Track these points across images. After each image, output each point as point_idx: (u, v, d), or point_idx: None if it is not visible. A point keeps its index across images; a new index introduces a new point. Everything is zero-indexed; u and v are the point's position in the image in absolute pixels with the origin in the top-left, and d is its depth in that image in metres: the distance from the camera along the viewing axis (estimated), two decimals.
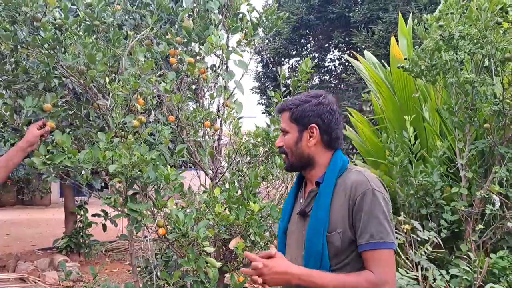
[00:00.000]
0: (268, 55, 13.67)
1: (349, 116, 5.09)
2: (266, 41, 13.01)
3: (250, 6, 3.33)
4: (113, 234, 8.71)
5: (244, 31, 3.19)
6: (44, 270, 7.00)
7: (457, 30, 3.09)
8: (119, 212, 2.67)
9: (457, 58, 3.10)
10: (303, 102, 1.63)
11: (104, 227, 6.05)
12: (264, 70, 14.31)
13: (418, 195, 3.28)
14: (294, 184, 1.79)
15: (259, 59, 14.24)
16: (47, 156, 2.36)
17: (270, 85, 14.59)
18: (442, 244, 2.81)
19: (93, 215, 5.70)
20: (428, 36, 3.30)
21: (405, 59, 3.50)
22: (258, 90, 14.47)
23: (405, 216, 2.89)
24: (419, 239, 2.69)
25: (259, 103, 14.62)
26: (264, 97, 14.55)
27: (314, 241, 1.54)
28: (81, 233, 7.93)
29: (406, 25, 4.50)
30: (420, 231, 2.75)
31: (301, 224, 1.63)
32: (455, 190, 3.15)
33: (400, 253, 2.64)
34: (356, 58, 5.08)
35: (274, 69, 14.29)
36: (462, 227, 3.22)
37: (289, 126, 1.64)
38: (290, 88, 3.21)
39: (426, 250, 2.62)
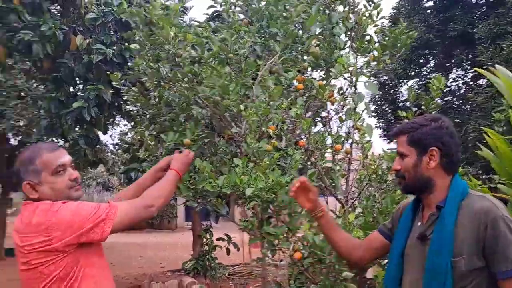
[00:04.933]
0: (385, 77, 13.29)
1: (485, 136, 4.66)
2: (382, 63, 12.68)
3: (378, 27, 3.28)
4: (234, 258, 9.01)
5: (372, 53, 3.13)
6: None
7: None
8: (254, 236, 2.72)
9: None
10: (421, 125, 1.65)
11: (228, 250, 6.29)
12: (381, 92, 13.91)
13: None
14: (409, 207, 1.78)
15: (376, 82, 13.91)
16: (190, 182, 2.51)
17: (387, 108, 14.13)
18: None
19: (218, 239, 5.93)
20: None
21: None
22: (375, 114, 14.08)
23: None
24: None
25: (376, 127, 14.18)
26: (382, 120, 14.11)
27: (438, 264, 1.54)
28: (207, 256, 8.30)
29: None
30: None
31: (420, 248, 1.64)
32: None
33: None
34: (482, 76, 4.69)
35: (391, 92, 13.84)
36: None
37: (408, 150, 1.67)
38: (423, 107, 3.05)
39: None
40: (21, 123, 9.62)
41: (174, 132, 2.68)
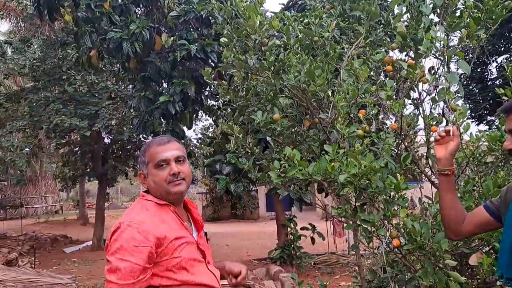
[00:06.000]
0: (470, 55, 12.47)
1: None
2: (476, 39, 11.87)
3: (469, 1, 3.08)
4: (318, 247, 9.00)
5: (465, 28, 2.95)
6: (262, 279, 7.55)
7: None
8: (347, 224, 2.69)
9: None
10: None
11: (313, 240, 6.29)
12: (465, 74, 13.07)
13: None
14: None
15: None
16: (281, 170, 2.53)
17: (475, 88, 13.27)
18: None
19: (302, 229, 5.93)
20: None
21: None
22: (461, 96, 13.26)
23: None
24: None
25: None
26: (469, 101, 13.28)
27: None
28: (292, 245, 8.36)
29: None
30: None
31: None
32: None
33: None
34: None
35: (479, 70, 12.97)
36: None
37: None
38: None
39: None
40: (113, 122, 10.29)
41: (263, 112, 2.73)
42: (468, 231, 1.89)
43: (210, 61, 6.74)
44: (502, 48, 12.40)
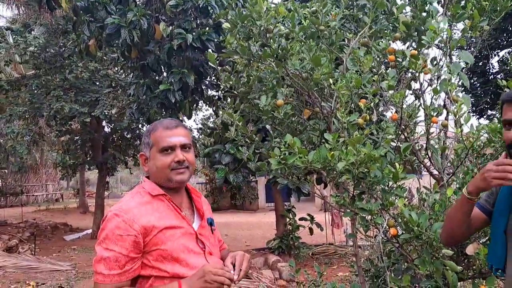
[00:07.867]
0: (472, 49, 12.43)
1: None
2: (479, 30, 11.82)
3: None
4: (317, 238, 9.05)
5: (469, 19, 2.94)
6: (260, 268, 7.60)
7: None
8: (345, 211, 2.70)
9: None
10: None
11: (311, 230, 6.33)
12: (468, 65, 13.01)
13: None
14: None
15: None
16: (281, 157, 2.54)
17: (476, 82, 13.23)
18: None
19: (300, 219, 5.94)
20: None
21: None
22: (463, 88, 13.22)
23: None
24: None
25: None
26: (470, 95, 13.23)
27: None
28: (291, 236, 8.40)
29: None
30: None
31: None
32: None
33: None
34: None
35: (480, 64, 12.91)
36: None
37: None
38: None
39: None
40: (113, 111, 10.28)
41: (267, 96, 2.72)
42: (467, 237, 1.87)
43: (208, 50, 6.73)
44: (505, 42, 12.33)
